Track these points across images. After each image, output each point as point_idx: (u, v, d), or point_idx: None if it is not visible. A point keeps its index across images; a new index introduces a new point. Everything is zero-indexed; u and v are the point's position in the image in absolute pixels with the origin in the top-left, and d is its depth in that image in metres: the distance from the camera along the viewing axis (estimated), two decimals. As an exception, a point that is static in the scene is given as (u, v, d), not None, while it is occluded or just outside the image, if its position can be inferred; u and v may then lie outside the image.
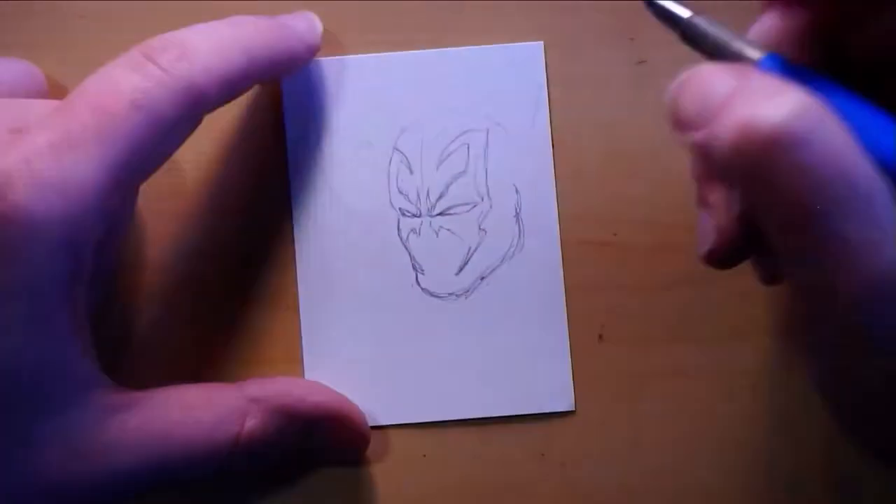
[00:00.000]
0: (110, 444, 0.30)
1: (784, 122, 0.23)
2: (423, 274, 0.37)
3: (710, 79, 0.26)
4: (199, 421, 0.32)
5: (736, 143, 0.24)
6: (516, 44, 0.38)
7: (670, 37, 0.38)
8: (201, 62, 0.31)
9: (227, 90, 0.32)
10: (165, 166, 0.33)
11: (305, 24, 0.36)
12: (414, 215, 0.37)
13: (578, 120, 0.38)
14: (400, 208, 0.37)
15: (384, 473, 0.37)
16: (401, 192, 0.37)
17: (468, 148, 0.37)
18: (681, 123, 0.26)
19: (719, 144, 0.24)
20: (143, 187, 0.33)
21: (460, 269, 0.37)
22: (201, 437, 0.32)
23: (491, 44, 0.38)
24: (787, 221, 0.24)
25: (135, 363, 0.37)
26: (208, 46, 0.32)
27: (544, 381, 0.37)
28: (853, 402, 0.27)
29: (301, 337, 0.37)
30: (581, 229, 0.37)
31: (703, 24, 0.28)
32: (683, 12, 0.28)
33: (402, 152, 0.37)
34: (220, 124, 0.37)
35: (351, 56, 0.38)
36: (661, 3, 0.29)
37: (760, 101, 0.24)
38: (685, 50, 0.38)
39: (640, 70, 0.38)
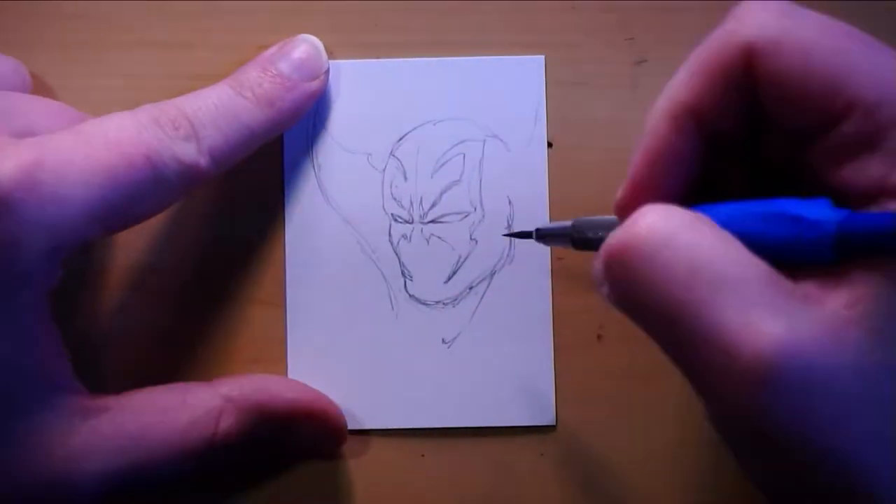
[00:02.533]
0: (82, 448, 0.31)
1: (628, 236, 0.26)
2: (411, 280, 0.37)
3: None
4: (173, 422, 0.33)
5: (602, 266, 0.27)
6: (517, 56, 0.38)
7: (670, 37, 0.38)
8: (207, 144, 0.33)
9: (225, 167, 0.34)
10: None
11: (311, 71, 0.36)
12: (406, 221, 0.37)
13: (578, 120, 0.38)
14: (392, 214, 0.37)
15: (383, 473, 0.37)
16: (394, 198, 0.37)
17: (464, 157, 0.37)
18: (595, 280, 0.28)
19: (596, 273, 0.28)
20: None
21: (449, 278, 0.37)
22: (177, 438, 0.32)
23: (489, 44, 0.38)
24: (661, 321, 0.26)
25: (124, 360, 0.37)
26: (216, 130, 0.33)
27: (527, 395, 0.37)
28: (773, 493, 0.27)
29: (286, 338, 0.37)
30: (581, 229, 0.37)
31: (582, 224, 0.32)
32: (564, 223, 0.32)
33: (397, 158, 0.37)
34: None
35: (351, 61, 0.38)
36: (545, 227, 0.33)
37: (622, 228, 0.27)
38: (685, 50, 0.38)
39: (640, 70, 0.38)
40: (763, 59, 0.26)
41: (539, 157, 0.37)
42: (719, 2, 0.37)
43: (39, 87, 0.38)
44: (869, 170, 0.26)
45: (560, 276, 0.37)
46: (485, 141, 0.37)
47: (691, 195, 0.29)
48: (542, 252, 0.37)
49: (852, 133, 0.26)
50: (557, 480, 0.37)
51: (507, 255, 0.37)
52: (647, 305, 0.26)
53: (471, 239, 0.37)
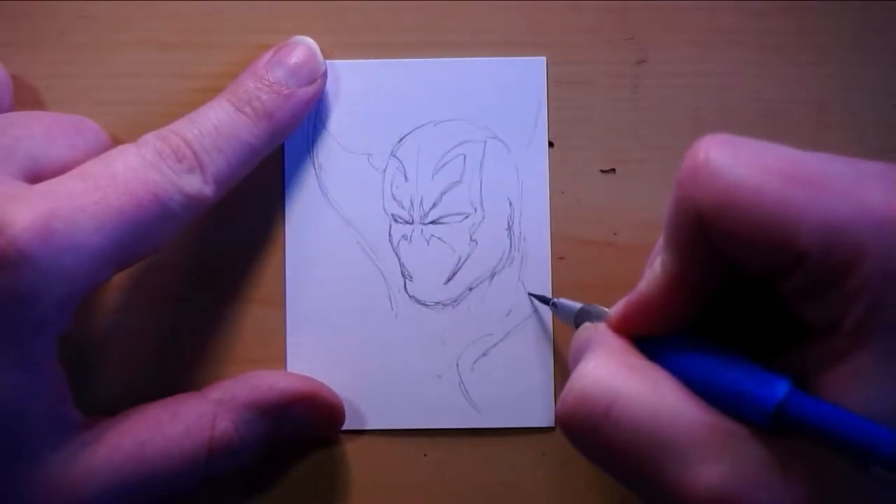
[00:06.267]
0: (82, 476, 0.31)
1: (564, 411, 0.29)
2: (411, 281, 0.37)
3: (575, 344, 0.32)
4: (168, 434, 0.33)
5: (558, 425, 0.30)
6: (519, 58, 0.38)
7: (670, 37, 0.38)
8: (211, 172, 0.34)
9: (228, 189, 0.35)
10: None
11: (308, 74, 0.36)
12: (406, 222, 0.37)
13: (579, 119, 0.38)
14: (392, 214, 0.37)
15: (385, 472, 0.37)
16: (395, 199, 0.37)
17: (464, 158, 0.37)
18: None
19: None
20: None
21: (449, 279, 0.37)
22: (174, 449, 0.33)
23: (490, 44, 0.38)
24: (615, 474, 0.29)
25: (124, 360, 0.37)
26: (219, 154, 0.34)
27: (526, 397, 0.37)
28: None
29: (286, 338, 0.37)
30: (581, 230, 0.37)
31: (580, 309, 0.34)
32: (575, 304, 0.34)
33: (398, 159, 0.37)
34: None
35: (351, 61, 0.38)
36: (560, 302, 0.35)
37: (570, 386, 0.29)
38: (685, 50, 0.38)
39: (640, 70, 0.38)
40: (713, 225, 0.27)
41: (540, 158, 0.37)
42: (719, 2, 0.38)
43: (22, 87, 0.37)
44: (825, 311, 0.26)
45: (561, 276, 0.37)
46: (485, 142, 0.37)
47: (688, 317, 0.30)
48: (543, 253, 0.37)
49: (805, 280, 0.26)
50: (557, 480, 0.37)
51: (508, 257, 0.37)
52: (601, 462, 0.29)
53: (471, 240, 0.37)
